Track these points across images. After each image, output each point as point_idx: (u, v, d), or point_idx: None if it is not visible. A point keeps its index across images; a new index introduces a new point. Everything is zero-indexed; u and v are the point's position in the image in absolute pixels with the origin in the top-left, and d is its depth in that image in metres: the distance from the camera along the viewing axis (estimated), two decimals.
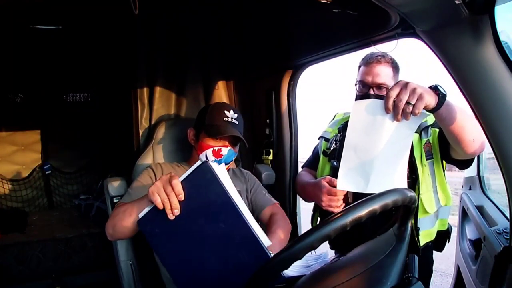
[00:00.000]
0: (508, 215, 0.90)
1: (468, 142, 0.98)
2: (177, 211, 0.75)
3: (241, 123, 1.23)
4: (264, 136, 1.64)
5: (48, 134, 3.03)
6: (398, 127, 0.94)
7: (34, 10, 1.56)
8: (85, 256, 2.19)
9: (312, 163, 1.45)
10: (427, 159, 1.15)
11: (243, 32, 1.60)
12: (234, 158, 1.24)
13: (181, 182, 0.76)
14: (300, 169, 1.53)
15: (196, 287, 0.79)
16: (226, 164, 1.19)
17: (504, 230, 1.11)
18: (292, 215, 1.58)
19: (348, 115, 1.44)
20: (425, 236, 1.15)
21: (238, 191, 1.20)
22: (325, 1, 0.87)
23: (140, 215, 0.79)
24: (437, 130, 1.15)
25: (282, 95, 1.56)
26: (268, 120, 1.63)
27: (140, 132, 1.52)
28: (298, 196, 1.55)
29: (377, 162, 0.97)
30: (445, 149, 1.13)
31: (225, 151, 1.18)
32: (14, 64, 2.47)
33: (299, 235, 0.62)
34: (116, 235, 0.94)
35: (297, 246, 0.53)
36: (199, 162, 0.77)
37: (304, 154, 1.60)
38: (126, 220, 0.86)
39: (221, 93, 1.67)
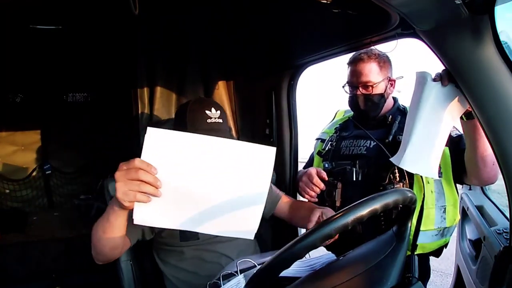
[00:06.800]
0: (508, 215, 0.90)
1: (489, 164, 0.99)
2: (160, 184, 0.72)
3: (225, 119, 1.11)
4: (264, 136, 1.64)
5: (48, 134, 3.03)
6: (440, 111, 0.95)
7: (34, 10, 1.56)
8: (85, 256, 2.18)
9: (310, 164, 1.46)
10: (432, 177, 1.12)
11: (243, 32, 1.59)
12: None
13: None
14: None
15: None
16: None
17: (504, 230, 1.11)
18: None
19: (348, 114, 1.44)
20: (422, 249, 1.14)
21: None
22: (325, 1, 0.86)
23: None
24: (448, 151, 1.12)
25: (282, 95, 1.56)
26: (268, 120, 1.62)
27: (140, 132, 1.52)
28: (298, 196, 1.55)
29: (414, 138, 0.98)
30: (459, 174, 1.13)
31: None
32: (14, 64, 2.47)
33: (299, 235, 0.62)
34: (103, 258, 0.96)
35: (299, 245, 0.53)
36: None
37: (304, 154, 1.60)
38: (107, 240, 0.86)
39: (221, 93, 1.67)
